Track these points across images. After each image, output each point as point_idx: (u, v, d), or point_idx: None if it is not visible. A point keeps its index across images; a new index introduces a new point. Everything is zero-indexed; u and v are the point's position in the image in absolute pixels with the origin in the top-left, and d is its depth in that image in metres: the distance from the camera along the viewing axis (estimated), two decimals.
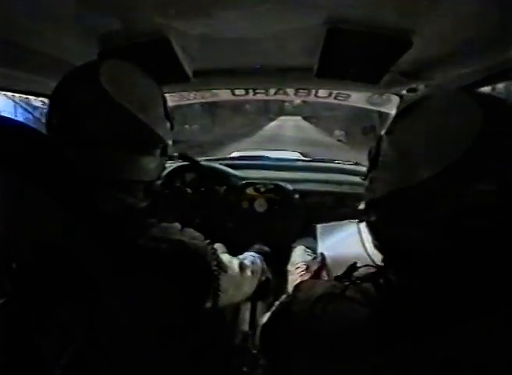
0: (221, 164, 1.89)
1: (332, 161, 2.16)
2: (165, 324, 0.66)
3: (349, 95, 1.47)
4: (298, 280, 0.91)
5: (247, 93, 1.52)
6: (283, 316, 0.61)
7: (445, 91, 0.50)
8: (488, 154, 0.41)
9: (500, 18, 0.67)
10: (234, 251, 1.12)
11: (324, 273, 0.92)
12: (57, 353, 0.62)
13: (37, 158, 0.58)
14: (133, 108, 0.64)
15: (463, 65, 0.93)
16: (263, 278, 1.04)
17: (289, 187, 1.69)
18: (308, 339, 0.52)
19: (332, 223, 1.23)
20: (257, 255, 1.08)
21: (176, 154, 1.49)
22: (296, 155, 2.86)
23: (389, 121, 1.48)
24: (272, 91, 1.51)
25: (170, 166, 1.71)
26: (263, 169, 1.94)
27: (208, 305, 0.70)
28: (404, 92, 1.26)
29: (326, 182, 1.77)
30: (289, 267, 1.11)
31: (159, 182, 1.62)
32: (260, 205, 1.67)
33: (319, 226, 1.28)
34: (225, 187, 1.70)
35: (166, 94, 1.45)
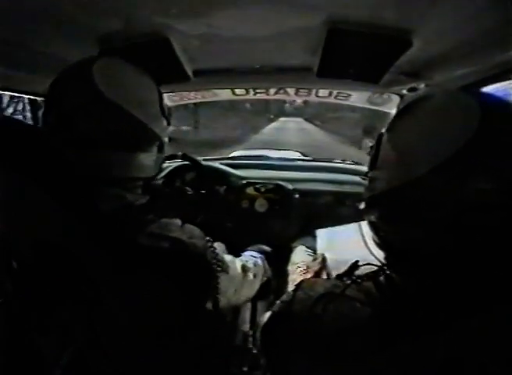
0: (221, 164, 1.89)
1: (332, 160, 2.16)
2: (165, 324, 0.66)
3: (349, 95, 1.47)
4: (298, 280, 0.91)
5: (247, 93, 1.52)
6: (284, 315, 0.61)
7: (444, 90, 0.50)
8: (485, 151, 0.42)
9: (500, 18, 0.67)
10: (234, 251, 1.12)
11: (324, 275, 0.92)
12: (57, 353, 0.62)
13: (37, 158, 0.58)
14: (127, 105, 0.63)
15: (463, 65, 0.93)
16: (265, 279, 1.04)
17: (290, 186, 1.69)
18: (309, 339, 0.52)
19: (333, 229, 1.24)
20: (259, 255, 1.08)
21: (177, 153, 1.49)
22: (296, 155, 2.86)
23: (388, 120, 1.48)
24: (273, 90, 1.51)
25: (170, 165, 1.71)
26: (263, 168, 1.94)
27: (208, 305, 0.70)
28: (405, 92, 1.26)
29: (326, 181, 1.77)
30: (289, 267, 1.11)
31: (160, 181, 1.62)
32: (260, 205, 1.67)
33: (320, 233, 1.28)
34: (225, 186, 1.70)
35: (166, 94, 1.47)
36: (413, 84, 1.17)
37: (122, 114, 0.63)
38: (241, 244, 1.32)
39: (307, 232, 1.42)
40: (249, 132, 18.45)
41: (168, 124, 0.77)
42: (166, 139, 0.76)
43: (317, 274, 0.97)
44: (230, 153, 3.16)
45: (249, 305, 1.42)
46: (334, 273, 0.75)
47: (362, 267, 0.60)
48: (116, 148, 0.64)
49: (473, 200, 0.42)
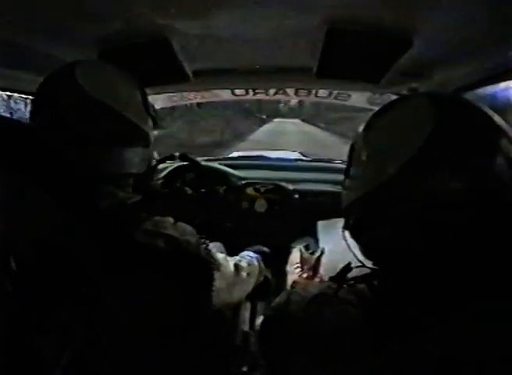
0: (221, 164, 1.89)
1: (331, 161, 2.16)
2: (165, 324, 0.66)
3: (349, 95, 1.47)
4: (295, 276, 0.92)
5: (247, 93, 1.52)
6: (278, 316, 0.61)
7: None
8: (442, 149, 0.44)
9: (500, 18, 0.67)
10: (234, 251, 1.12)
11: (321, 269, 0.92)
12: (57, 353, 0.62)
13: (37, 158, 0.58)
14: (109, 101, 0.65)
15: (463, 65, 0.93)
16: (261, 279, 1.04)
17: (289, 187, 1.69)
18: (303, 339, 0.53)
19: (333, 222, 1.24)
20: (255, 255, 1.08)
21: (175, 154, 1.49)
22: (296, 155, 2.86)
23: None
24: (272, 90, 1.51)
25: (170, 165, 1.71)
26: (263, 169, 1.94)
27: (204, 303, 0.70)
28: (404, 92, 1.26)
29: (326, 182, 1.77)
30: (288, 267, 1.11)
31: (159, 182, 1.62)
32: (260, 205, 1.68)
33: (320, 226, 1.28)
34: (225, 187, 1.70)
35: (166, 94, 1.47)
36: (413, 84, 1.17)
37: (105, 111, 0.65)
38: (241, 244, 1.32)
39: (306, 232, 1.43)
40: (237, 134, 17.27)
41: (155, 123, 0.78)
42: (152, 134, 0.77)
43: (314, 268, 0.97)
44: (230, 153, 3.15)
45: (248, 305, 1.42)
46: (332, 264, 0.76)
47: (355, 269, 0.60)
48: (103, 145, 0.65)
49: (438, 197, 0.44)
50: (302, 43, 0.95)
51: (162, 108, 1.63)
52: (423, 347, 0.42)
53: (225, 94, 1.55)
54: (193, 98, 1.59)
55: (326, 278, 0.73)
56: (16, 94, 1.12)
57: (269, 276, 1.18)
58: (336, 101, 1.58)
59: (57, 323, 0.62)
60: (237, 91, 1.51)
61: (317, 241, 1.26)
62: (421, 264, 0.46)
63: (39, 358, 0.61)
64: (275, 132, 20.35)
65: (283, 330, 0.58)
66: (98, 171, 0.65)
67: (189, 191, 1.57)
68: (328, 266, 0.93)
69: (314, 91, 1.47)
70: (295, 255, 1.18)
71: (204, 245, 0.72)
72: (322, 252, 0.96)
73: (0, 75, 0.90)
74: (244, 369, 1.01)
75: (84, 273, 0.59)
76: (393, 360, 0.44)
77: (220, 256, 0.79)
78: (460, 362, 0.40)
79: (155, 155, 0.83)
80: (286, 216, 1.68)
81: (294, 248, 1.25)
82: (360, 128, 0.56)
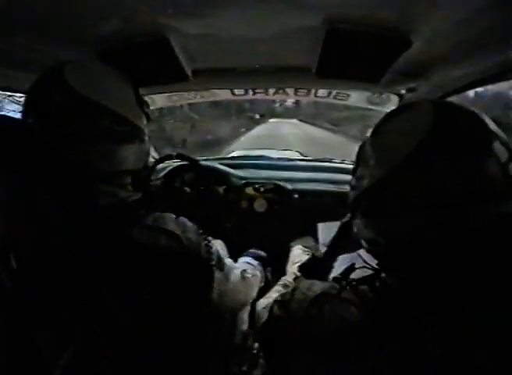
0: (220, 164, 1.89)
1: (331, 160, 2.16)
2: (165, 324, 0.66)
3: (348, 95, 1.47)
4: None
5: (246, 92, 1.52)
6: (281, 315, 0.62)
7: (414, 102, 0.56)
8: (436, 148, 0.47)
9: (500, 18, 0.67)
10: (233, 251, 1.12)
11: None
12: (57, 353, 0.62)
13: (36, 158, 0.58)
14: (100, 99, 0.65)
15: (463, 65, 0.93)
16: (262, 284, 1.05)
17: (289, 186, 1.69)
18: (305, 339, 0.53)
19: (334, 223, 1.24)
20: (255, 262, 1.09)
21: (173, 153, 1.49)
22: (295, 155, 2.86)
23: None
24: (272, 90, 1.51)
25: (169, 165, 1.71)
26: (262, 168, 1.94)
27: (203, 303, 0.70)
28: (404, 92, 1.26)
29: (326, 181, 1.77)
30: (288, 267, 1.11)
31: (159, 181, 1.62)
32: (259, 205, 1.68)
33: (320, 226, 1.29)
34: (224, 186, 1.70)
35: (165, 94, 1.47)
36: (412, 84, 1.17)
37: (97, 108, 0.65)
38: (240, 244, 1.32)
39: (306, 232, 1.43)
40: (227, 135, 16.01)
41: (148, 119, 0.79)
42: (146, 131, 0.77)
43: None
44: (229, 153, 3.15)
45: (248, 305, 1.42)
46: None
47: (358, 270, 0.61)
48: (98, 143, 0.65)
49: (434, 195, 0.46)
50: (302, 43, 0.94)
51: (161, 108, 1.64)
52: (423, 347, 0.42)
53: (224, 94, 1.55)
54: (193, 97, 1.59)
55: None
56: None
57: (269, 276, 1.19)
58: (335, 101, 1.57)
59: (57, 323, 0.62)
60: (236, 91, 1.51)
61: (316, 240, 1.26)
62: (421, 264, 0.47)
63: (39, 358, 0.61)
64: (272, 135, 18.33)
65: (286, 328, 0.58)
66: (95, 169, 0.65)
67: (188, 190, 1.57)
68: None
69: (313, 91, 1.47)
70: (294, 255, 1.18)
71: (206, 242, 0.72)
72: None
73: (0, 75, 0.90)
74: (244, 368, 1.01)
75: (84, 273, 0.59)
76: (394, 359, 0.44)
77: (228, 261, 0.80)
78: (460, 361, 0.40)
79: (155, 154, 0.83)
80: (285, 216, 1.68)
81: (294, 247, 1.26)
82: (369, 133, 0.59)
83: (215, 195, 1.65)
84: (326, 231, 1.23)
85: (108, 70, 0.72)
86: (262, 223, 1.69)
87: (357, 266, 0.61)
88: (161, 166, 1.63)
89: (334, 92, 1.46)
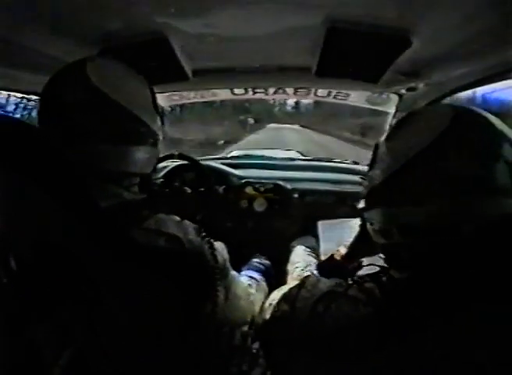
0: (220, 163, 1.89)
1: (331, 160, 2.16)
2: (165, 324, 0.66)
3: (348, 94, 1.47)
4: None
5: (246, 92, 1.52)
6: (285, 314, 0.62)
7: (434, 105, 0.58)
8: (451, 145, 0.48)
9: (500, 18, 0.67)
10: (233, 251, 1.12)
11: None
12: (57, 353, 0.62)
13: (37, 157, 0.58)
14: (122, 100, 0.64)
15: (463, 65, 0.93)
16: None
17: (289, 186, 1.69)
18: (306, 338, 0.53)
19: (335, 222, 1.24)
20: (259, 276, 1.09)
21: (174, 153, 1.49)
22: (295, 155, 2.86)
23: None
24: (272, 90, 1.51)
25: (169, 165, 1.71)
26: (262, 168, 1.94)
27: (208, 305, 0.70)
28: (404, 91, 1.26)
29: (326, 181, 1.77)
30: (289, 267, 1.11)
31: (159, 181, 1.62)
32: (259, 205, 1.68)
33: (321, 226, 1.29)
34: (224, 186, 1.70)
35: (165, 94, 1.47)
36: (412, 84, 1.17)
37: (118, 109, 0.64)
38: (240, 244, 1.32)
39: (306, 232, 1.43)
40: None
41: (162, 123, 0.78)
42: (161, 136, 0.76)
43: None
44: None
45: None
46: None
47: (365, 268, 0.61)
48: (112, 143, 0.65)
49: (443, 194, 0.47)
50: (301, 42, 0.95)
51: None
52: (423, 347, 0.42)
53: (224, 94, 1.55)
54: (193, 97, 1.59)
55: None
56: None
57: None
58: (335, 101, 1.58)
59: (57, 323, 0.62)
60: (236, 91, 1.51)
61: (317, 240, 1.26)
62: (429, 261, 0.47)
63: (39, 358, 0.61)
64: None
65: (289, 326, 0.58)
66: (104, 169, 0.65)
67: (188, 190, 1.57)
68: None
69: (313, 91, 1.47)
70: (295, 255, 1.18)
71: (209, 245, 0.71)
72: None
73: (0, 75, 0.90)
74: (244, 368, 1.01)
75: (84, 273, 0.59)
76: (394, 360, 0.44)
77: (235, 274, 0.82)
78: (461, 361, 0.40)
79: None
80: (285, 216, 1.68)
81: (294, 247, 1.26)
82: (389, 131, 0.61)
83: (215, 195, 1.65)
84: (327, 230, 1.23)
85: (129, 70, 0.71)
86: (262, 223, 1.69)
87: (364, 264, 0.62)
88: (160, 165, 1.63)
89: (334, 92, 1.46)
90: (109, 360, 0.65)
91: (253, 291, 0.93)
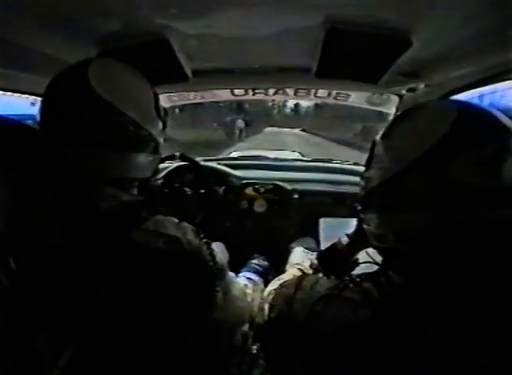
0: (220, 164, 1.89)
1: (330, 161, 2.17)
2: (165, 324, 0.66)
3: (348, 95, 1.47)
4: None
5: (246, 93, 1.52)
6: (284, 314, 0.61)
7: (432, 100, 0.57)
8: (457, 143, 0.47)
9: (500, 18, 0.68)
10: (233, 251, 1.12)
11: None
12: (57, 353, 0.62)
13: (37, 158, 0.58)
14: (122, 106, 0.64)
15: (462, 65, 0.93)
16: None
17: (289, 187, 1.69)
18: (304, 340, 0.53)
19: (335, 222, 1.24)
20: (257, 277, 1.09)
21: (175, 154, 1.49)
22: (295, 155, 2.86)
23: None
24: (272, 90, 1.51)
25: (169, 165, 1.71)
26: (262, 169, 1.94)
27: (207, 305, 0.70)
28: (404, 92, 1.26)
29: (325, 182, 1.78)
30: (288, 267, 1.11)
31: (159, 182, 1.62)
32: (259, 206, 1.68)
33: (321, 226, 1.29)
34: (224, 187, 1.70)
35: (165, 95, 1.47)
36: (412, 85, 1.17)
37: (117, 114, 0.64)
38: (240, 245, 1.32)
39: (305, 232, 1.43)
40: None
41: (164, 126, 0.77)
42: (162, 140, 0.76)
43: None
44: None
45: None
46: None
47: (362, 265, 0.61)
48: (112, 148, 0.65)
49: (449, 191, 0.46)
50: (301, 43, 0.95)
51: None
52: (422, 347, 0.42)
53: (224, 94, 1.55)
54: (193, 98, 1.59)
55: None
56: None
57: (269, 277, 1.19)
58: (335, 102, 1.58)
59: (57, 323, 0.62)
60: (236, 91, 1.51)
61: (318, 237, 1.26)
62: (428, 261, 0.47)
63: (39, 358, 0.61)
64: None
65: (286, 328, 0.58)
66: (103, 173, 0.65)
67: (188, 191, 1.57)
68: None
69: (313, 91, 1.47)
70: (294, 255, 1.18)
71: (207, 245, 0.71)
72: None
73: (0, 75, 0.90)
74: (244, 369, 1.01)
75: (84, 273, 0.59)
76: (391, 361, 0.44)
77: (230, 274, 0.82)
78: (460, 362, 0.40)
79: None
80: (285, 216, 1.68)
81: (293, 247, 1.26)
82: (386, 128, 0.60)
83: (215, 196, 1.65)
84: (328, 227, 1.23)
85: (133, 73, 0.71)
86: (262, 224, 1.69)
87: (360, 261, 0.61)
88: (160, 166, 1.63)
89: (334, 92, 1.46)
90: (109, 360, 0.65)
91: (249, 291, 0.93)
